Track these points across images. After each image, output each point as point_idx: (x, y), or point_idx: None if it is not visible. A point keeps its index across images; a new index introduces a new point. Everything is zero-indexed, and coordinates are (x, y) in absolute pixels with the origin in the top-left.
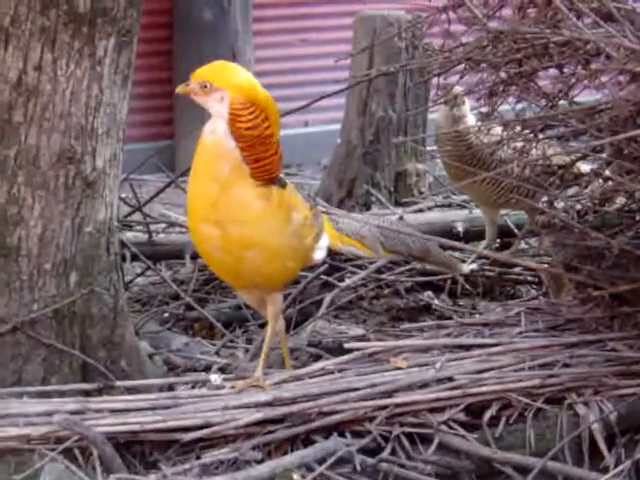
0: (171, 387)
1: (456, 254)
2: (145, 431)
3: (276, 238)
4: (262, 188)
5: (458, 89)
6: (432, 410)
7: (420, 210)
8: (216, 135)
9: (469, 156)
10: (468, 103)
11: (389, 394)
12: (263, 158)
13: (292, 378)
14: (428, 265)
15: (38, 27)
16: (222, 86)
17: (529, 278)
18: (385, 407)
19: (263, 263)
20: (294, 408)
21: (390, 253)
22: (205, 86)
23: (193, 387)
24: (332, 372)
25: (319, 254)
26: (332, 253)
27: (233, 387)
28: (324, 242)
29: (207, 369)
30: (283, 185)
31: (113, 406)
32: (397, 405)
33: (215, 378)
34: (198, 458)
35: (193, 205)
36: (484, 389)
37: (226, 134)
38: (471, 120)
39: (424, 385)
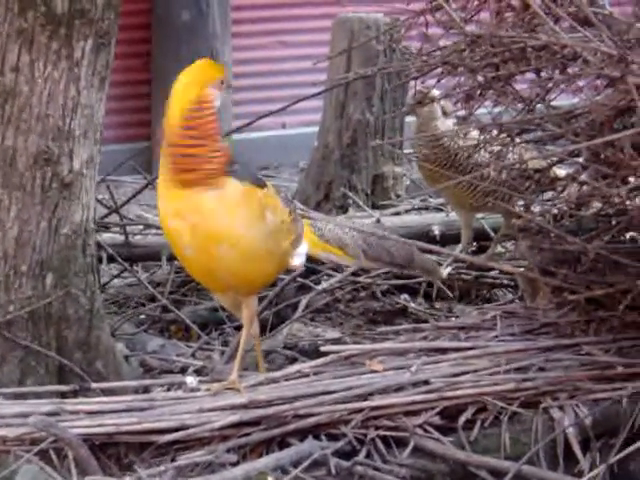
0: (147, 389)
1: (433, 257)
2: (120, 433)
3: (246, 235)
4: (233, 187)
5: (435, 92)
6: (407, 413)
7: (397, 213)
8: None
9: (445, 159)
10: (443, 106)
11: (365, 397)
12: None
13: (268, 381)
14: (409, 272)
15: (15, 29)
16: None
17: (505, 282)
18: (361, 410)
19: (237, 263)
20: (270, 411)
21: (372, 262)
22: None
23: (169, 389)
24: (308, 375)
25: (297, 260)
26: (311, 259)
27: (209, 389)
28: (303, 248)
29: (183, 371)
30: (261, 185)
31: (89, 408)
32: (373, 408)
33: (191, 380)
34: (173, 460)
35: (161, 201)
36: (460, 392)
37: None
38: (448, 123)
39: (400, 388)
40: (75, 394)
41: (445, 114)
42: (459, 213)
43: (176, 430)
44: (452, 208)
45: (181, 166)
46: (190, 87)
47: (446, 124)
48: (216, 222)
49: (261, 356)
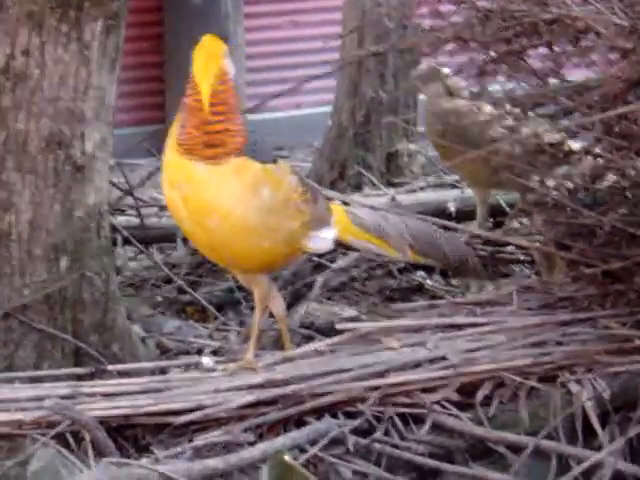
0: (163, 370)
1: None
2: (137, 415)
3: (235, 208)
4: (223, 157)
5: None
6: (425, 390)
7: (412, 190)
8: None
9: (457, 136)
10: (449, 85)
11: (381, 374)
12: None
13: (284, 360)
14: (458, 276)
15: (25, 12)
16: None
17: (521, 257)
18: (378, 387)
19: (231, 237)
20: (286, 390)
21: (419, 258)
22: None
23: (185, 370)
24: (324, 353)
25: (315, 243)
26: (344, 246)
27: (225, 370)
28: (327, 233)
29: (199, 352)
30: (265, 162)
31: (105, 390)
32: (390, 385)
33: (207, 361)
34: (190, 441)
35: (165, 170)
36: (477, 368)
37: None
38: (455, 102)
39: (417, 365)
40: (91, 377)
41: (451, 94)
42: (474, 189)
43: (193, 411)
44: (467, 185)
45: (209, 141)
46: (211, 62)
47: (453, 102)
48: (204, 194)
49: (287, 335)
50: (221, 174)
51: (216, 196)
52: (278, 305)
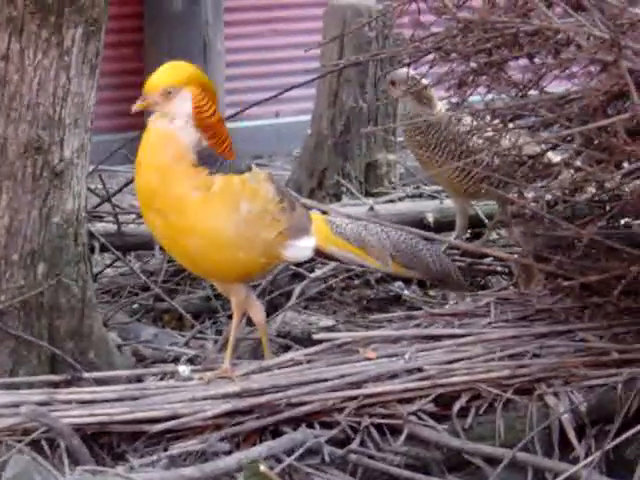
0: (139, 378)
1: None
2: (113, 422)
3: (216, 226)
4: (203, 178)
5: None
6: (401, 401)
7: (391, 201)
8: (168, 130)
9: (436, 146)
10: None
11: (358, 385)
12: (225, 137)
13: (261, 369)
14: (441, 287)
15: (5, 17)
16: (184, 86)
17: (499, 268)
18: (354, 398)
19: (208, 250)
20: (262, 399)
21: (401, 269)
22: (169, 92)
23: (161, 378)
24: (301, 363)
25: (293, 252)
26: (323, 256)
27: (201, 378)
28: (306, 242)
29: (176, 360)
30: (241, 172)
31: (81, 397)
32: (366, 396)
33: (183, 369)
34: (166, 450)
35: (139, 194)
36: (454, 380)
37: (181, 129)
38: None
39: (393, 376)
40: (67, 384)
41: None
42: (454, 199)
43: (169, 419)
44: (446, 195)
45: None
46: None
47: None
48: (189, 221)
49: (267, 343)
50: (204, 199)
51: (200, 221)
52: (258, 312)
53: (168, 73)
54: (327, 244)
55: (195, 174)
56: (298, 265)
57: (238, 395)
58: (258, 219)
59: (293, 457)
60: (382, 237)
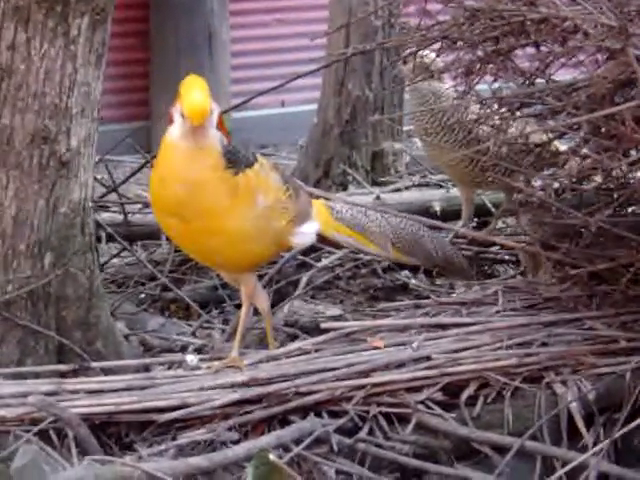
0: (147, 368)
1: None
2: (120, 412)
3: (240, 225)
4: (231, 182)
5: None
6: (409, 390)
7: (397, 190)
8: (199, 143)
9: (444, 134)
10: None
11: (366, 374)
12: (222, 123)
13: (268, 358)
14: (444, 275)
15: (11, 6)
16: (212, 106)
17: (506, 257)
18: (362, 387)
19: (227, 246)
20: (271, 388)
21: (402, 255)
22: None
23: (169, 368)
24: (309, 352)
25: (299, 238)
26: (326, 242)
27: (209, 368)
28: (310, 227)
29: (183, 350)
30: (250, 164)
31: (88, 387)
32: (374, 385)
33: (191, 359)
34: (174, 439)
35: (159, 202)
36: (462, 368)
37: (214, 137)
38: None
39: (401, 365)
40: (75, 373)
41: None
42: (460, 188)
43: (177, 409)
44: (453, 184)
45: None
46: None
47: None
48: (216, 224)
49: (271, 333)
50: (232, 203)
51: (226, 223)
52: (263, 301)
53: (203, 92)
54: (328, 229)
55: (226, 180)
56: (305, 254)
57: (246, 384)
58: (272, 210)
59: (301, 446)
60: (382, 223)
